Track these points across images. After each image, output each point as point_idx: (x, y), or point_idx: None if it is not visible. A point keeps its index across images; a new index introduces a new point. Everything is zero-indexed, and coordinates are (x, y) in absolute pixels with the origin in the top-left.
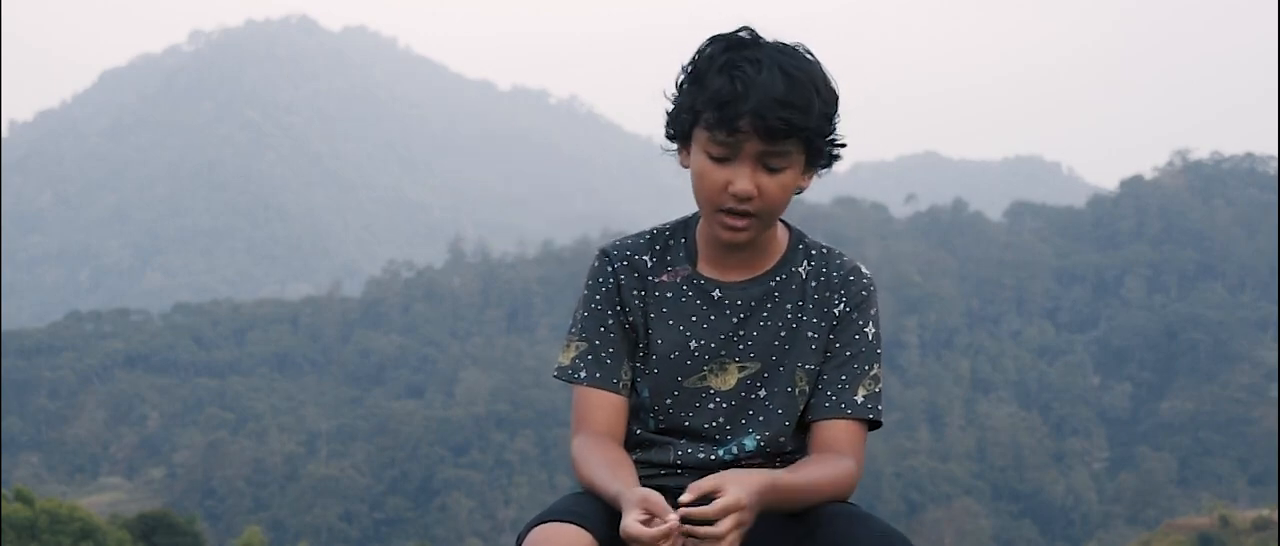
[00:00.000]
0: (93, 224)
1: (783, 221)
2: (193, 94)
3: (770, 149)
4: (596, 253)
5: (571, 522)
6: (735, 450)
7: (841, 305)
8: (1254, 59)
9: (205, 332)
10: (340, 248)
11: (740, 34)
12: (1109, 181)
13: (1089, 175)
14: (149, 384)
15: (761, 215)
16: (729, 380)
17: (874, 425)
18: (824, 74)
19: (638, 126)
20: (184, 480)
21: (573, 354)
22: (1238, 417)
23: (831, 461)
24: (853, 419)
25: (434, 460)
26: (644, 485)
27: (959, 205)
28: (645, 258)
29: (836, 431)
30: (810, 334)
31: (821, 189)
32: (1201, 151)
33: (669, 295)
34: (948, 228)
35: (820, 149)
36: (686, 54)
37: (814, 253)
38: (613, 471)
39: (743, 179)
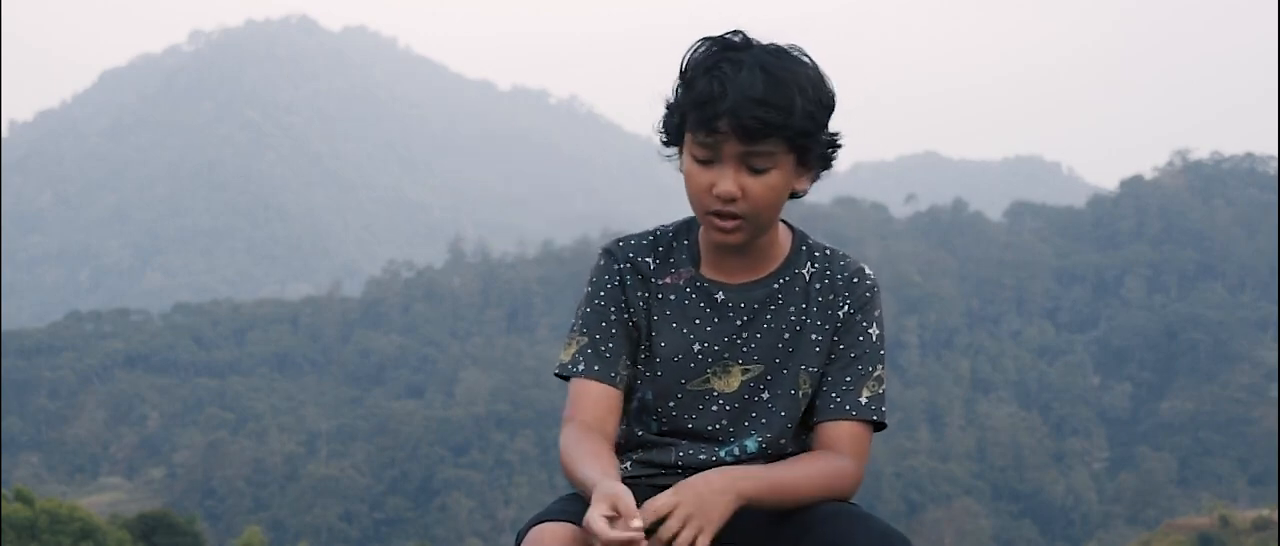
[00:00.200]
0: (93, 224)
1: (785, 223)
2: (193, 94)
3: (751, 149)
4: (600, 251)
5: (571, 522)
6: (737, 451)
7: (846, 307)
8: (1254, 59)
9: (205, 332)
10: (340, 248)
11: (729, 36)
12: (1109, 181)
13: (1089, 175)
14: (149, 384)
15: (749, 217)
16: (732, 382)
17: (879, 426)
18: (813, 74)
19: (638, 126)
20: (184, 480)
21: (573, 349)
22: (1238, 417)
23: (823, 458)
24: (856, 420)
25: (434, 460)
26: (645, 485)
27: (959, 205)
28: (649, 259)
29: (839, 432)
30: (814, 336)
31: (821, 189)
32: (1201, 151)
33: (672, 297)
34: (948, 227)
35: (808, 149)
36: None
37: (817, 254)
38: (592, 461)
39: (725, 180)
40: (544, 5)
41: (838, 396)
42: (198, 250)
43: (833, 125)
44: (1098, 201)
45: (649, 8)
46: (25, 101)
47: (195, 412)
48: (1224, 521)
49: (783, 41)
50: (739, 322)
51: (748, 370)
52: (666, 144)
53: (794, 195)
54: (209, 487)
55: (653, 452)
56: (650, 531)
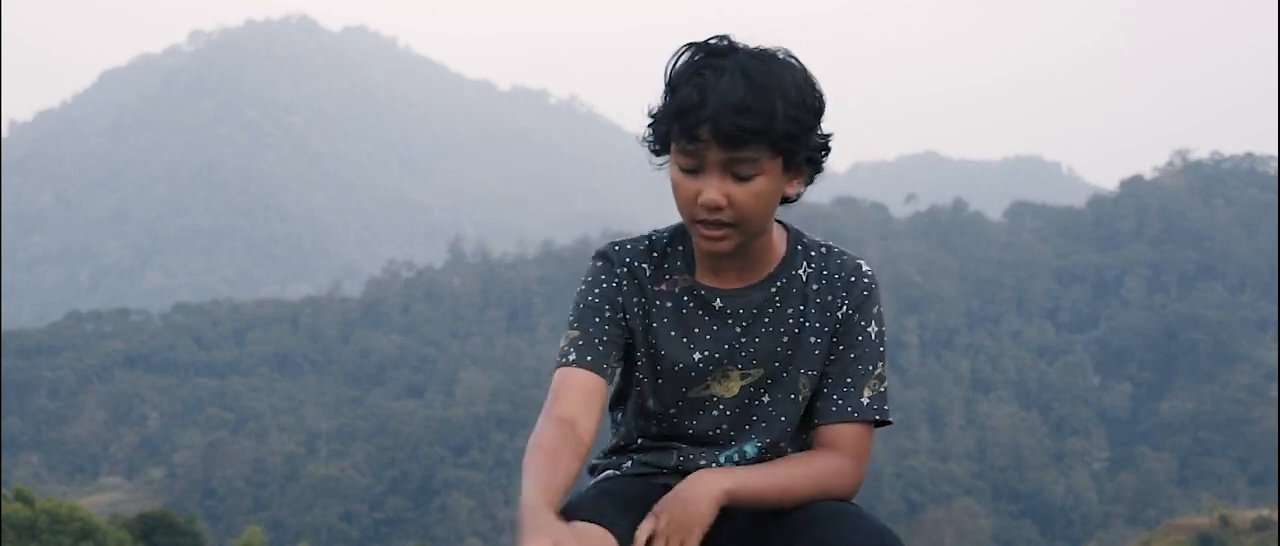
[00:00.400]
0: (93, 224)
1: (780, 223)
2: (193, 94)
3: (733, 156)
4: (594, 254)
5: (596, 523)
6: (736, 457)
7: (844, 307)
8: (1254, 59)
9: (205, 332)
10: (340, 248)
11: (714, 42)
12: (1109, 181)
13: (1089, 175)
14: (149, 384)
15: (738, 225)
16: (732, 387)
17: (882, 423)
18: (799, 78)
19: (638, 126)
20: (184, 480)
21: (564, 343)
22: (1238, 417)
23: (820, 458)
24: (859, 422)
25: (434, 460)
26: (645, 486)
27: (959, 205)
28: (645, 265)
29: (840, 434)
30: (813, 339)
31: (821, 189)
32: (1201, 151)
33: (669, 305)
34: (948, 228)
35: (794, 153)
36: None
37: (813, 253)
38: (546, 476)
39: (710, 189)
40: (544, 5)
41: (839, 398)
42: (198, 250)
43: (825, 127)
44: (1098, 201)
45: (649, 8)
46: (25, 101)
47: (195, 412)
48: (1224, 521)
49: (771, 45)
50: (738, 329)
51: (747, 375)
52: (657, 153)
53: (786, 200)
54: (209, 487)
55: (653, 455)
56: None
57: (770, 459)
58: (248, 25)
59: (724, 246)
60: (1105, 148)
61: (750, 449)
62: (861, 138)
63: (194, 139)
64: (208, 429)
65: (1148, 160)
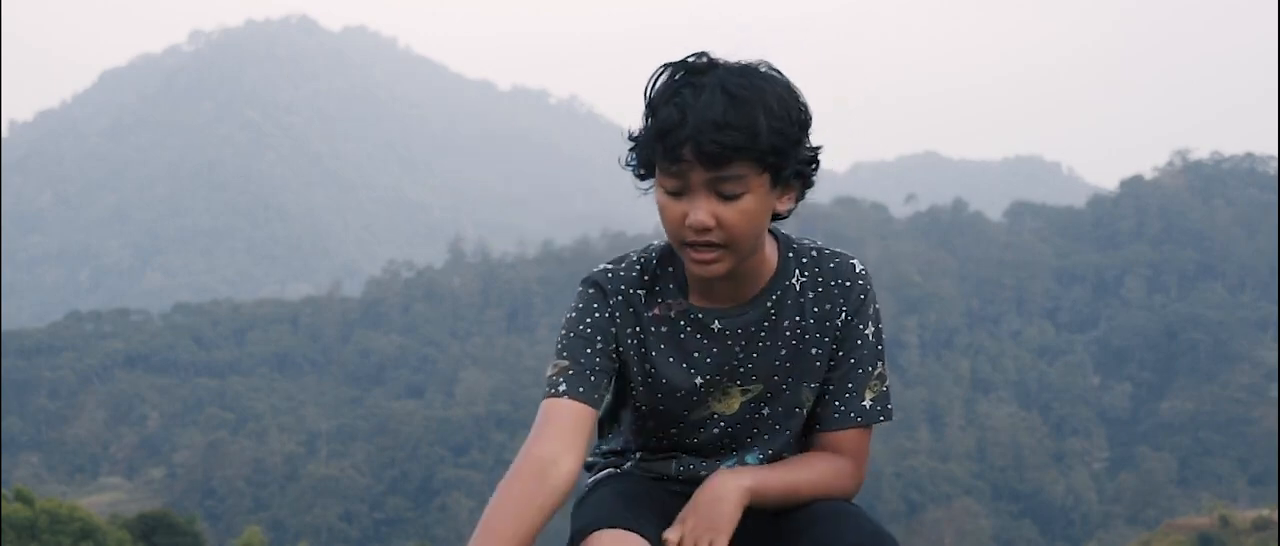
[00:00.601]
0: (93, 224)
1: (770, 231)
2: (193, 94)
3: (717, 175)
4: (584, 282)
5: (627, 529)
6: (736, 466)
7: (843, 314)
8: (1254, 59)
9: (205, 332)
10: (340, 248)
11: (693, 59)
12: (1109, 181)
13: (1089, 175)
14: (149, 384)
15: (728, 246)
16: (732, 404)
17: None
18: (782, 91)
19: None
20: (184, 480)
21: (552, 372)
22: (1238, 417)
23: (824, 460)
24: (862, 426)
25: (434, 460)
26: (652, 485)
27: (959, 205)
28: (638, 292)
29: (843, 439)
30: (815, 350)
31: (821, 189)
32: (1201, 151)
33: (665, 330)
34: (948, 228)
35: (781, 168)
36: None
37: (805, 260)
38: (502, 528)
39: (697, 211)
40: (544, 5)
41: (842, 404)
42: (198, 250)
43: (813, 139)
44: (1098, 201)
45: (649, 8)
46: (25, 101)
47: (195, 412)
48: (1224, 521)
49: (752, 58)
50: (737, 348)
51: (747, 391)
52: (642, 177)
53: (777, 216)
54: (209, 487)
55: (654, 463)
56: None
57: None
58: (248, 25)
59: (717, 269)
60: (1105, 148)
61: (752, 458)
62: (861, 138)
63: (194, 139)
64: (208, 429)
65: (1148, 160)
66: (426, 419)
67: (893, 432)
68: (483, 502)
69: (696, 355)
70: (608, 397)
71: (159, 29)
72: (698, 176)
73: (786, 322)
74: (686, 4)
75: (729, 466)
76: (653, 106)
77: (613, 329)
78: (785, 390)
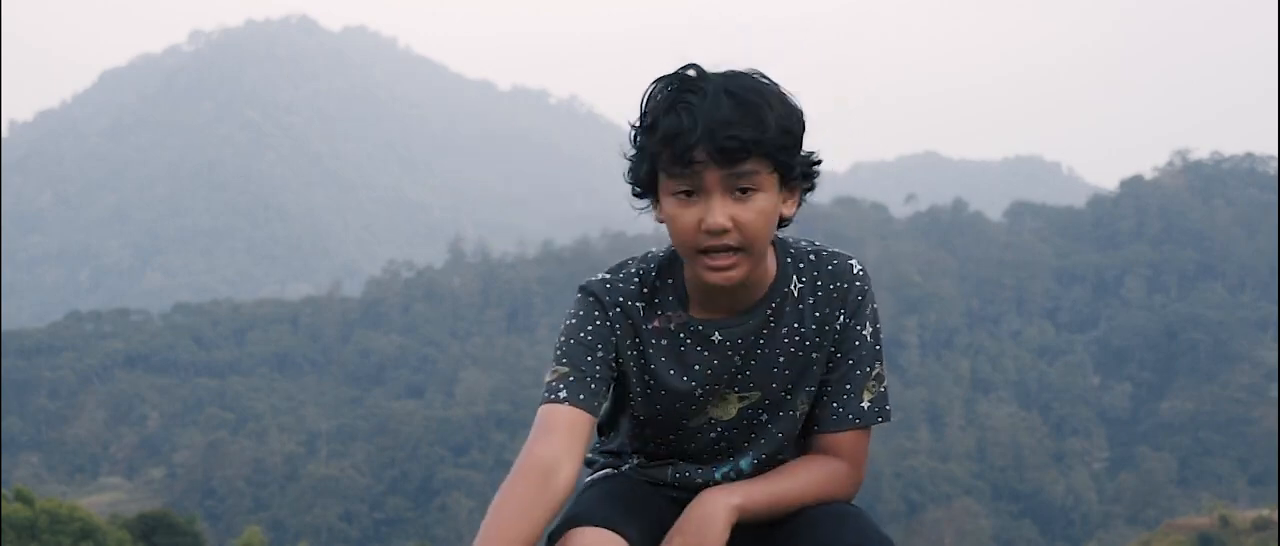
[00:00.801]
0: (93, 224)
1: None
2: (193, 94)
3: (732, 172)
4: (581, 290)
5: (609, 528)
6: (733, 473)
7: (840, 317)
8: (1254, 59)
9: (205, 332)
10: (340, 248)
11: (683, 73)
12: (1109, 181)
13: (1089, 175)
14: (149, 384)
15: (744, 249)
16: (730, 410)
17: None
18: (779, 92)
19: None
20: (184, 480)
21: (551, 378)
22: (1238, 417)
23: (819, 464)
24: (859, 428)
25: (434, 460)
26: (647, 489)
27: (959, 205)
28: (637, 304)
29: (840, 441)
30: (813, 355)
31: (822, 189)
32: (1201, 151)
33: (665, 343)
34: (948, 228)
35: (789, 165)
36: (685, 56)
37: (803, 264)
38: (510, 528)
39: (713, 213)
40: (544, 5)
41: (839, 406)
42: (198, 250)
43: (814, 135)
44: (1098, 201)
45: (649, 8)
46: (25, 101)
47: (195, 412)
48: (1224, 521)
49: (742, 69)
50: (737, 357)
51: (745, 398)
52: (640, 196)
53: (782, 221)
54: (209, 487)
55: (650, 470)
56: None
57: (766, 469)
58: (248, 25)
59: (734, 276)
60: (1105, 148)
61: (746, 463)
62: (861, 138)
63: (194, 139)
64: (208, 429)
65: (1148, 160)
66: (426, 419)
67: (893, 432)
68: (483, 502)
69: (696, 367)
70: (606, 404)
71: (159, 29)
72: (712, 176)
73: (785, 330)
74: (686, 4)
75: (724, 471)
76: (650, 121)
77: (612, 339)
78: (783, 395)
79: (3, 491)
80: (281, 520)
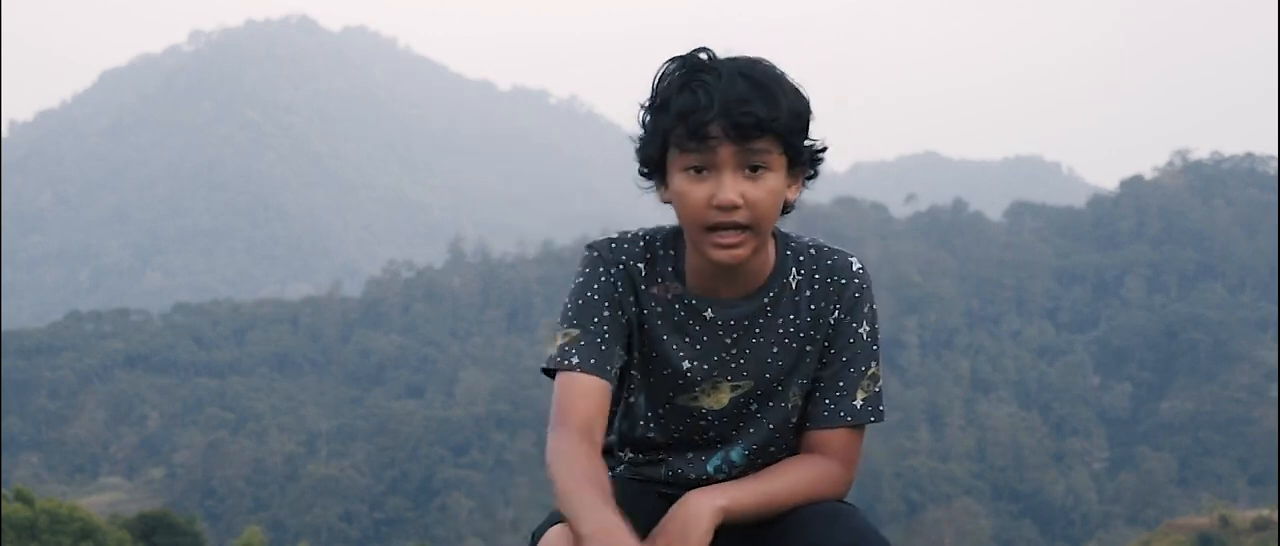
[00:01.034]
0: (93, 224)
1: None
2: (193, 94)
3: (746, 147)
4: (588, 247)
5: None
6: (725, 468)
7: (836, 312)
8: (1254, 59)
9: (205, 332)
10: (340, 248)
11: (695, 55)
12: (1109, 181)
13: (1089, 175)
14: (149, 384)
15: (752, 227)
16: (721, 399)
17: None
18: (789, 80)
19: (637, 127)
20: (184, 480)
21: (562, 342)
22: (1238, 417)
23: (809, 463)
24: (851, 426)
25: (434, 460)
26: (638, 490)
27: (959, 205)
28: (640, 265)
29: (830, 438)
30: (807, 347)
31: (821, 189)
32: (1201, 151)
33: (660, 309)
34: (948, 228)
35: (799, 149)
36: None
37: (802, 258)
38: (588, 491)
39: (724, 189)
40: (544, 5)
41: (832, 403)
42: (198, 250)
43: (815, 132)
44: (1098, 201)
45: (649, 8)
46: (25, 101)
47: (195, 412)
48: (1224, 521)
49: (752, 56)
50: (728, 341)
51: (737, 387)
52: (646, 176)
53: (785, 209)
54: (209, 487)
55: (643, 468)
56: None
57: (759, 462)
58: (248, 25)
59: (740, 254)
60: (1105, 148)
61: (737, 454)
62: (861, 138)
63: (194, 139)
64: (208, 429)
65: (1148, 160)
66: (426, 419)
67: (893, 432)
68: (483, 503)
69: (687, 340)
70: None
71: (159, 29)
72: (726, 151)
73: (781, 321)
74: (686, 4)
75: (716, 462)
76: (662, 100)
77: (617, 295)
78: (777, 388)
79: (3, 491)
80: (281, 520)
